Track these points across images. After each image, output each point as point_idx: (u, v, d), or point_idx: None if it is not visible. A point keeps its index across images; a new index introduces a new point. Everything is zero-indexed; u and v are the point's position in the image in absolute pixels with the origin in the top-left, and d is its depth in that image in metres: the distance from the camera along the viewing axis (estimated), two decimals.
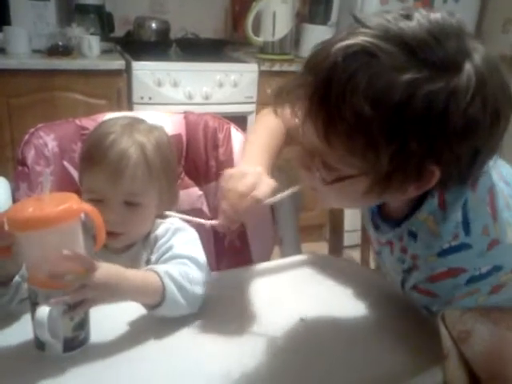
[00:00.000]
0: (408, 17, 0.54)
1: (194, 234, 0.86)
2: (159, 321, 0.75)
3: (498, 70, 0.56)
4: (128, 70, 2.04)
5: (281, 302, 0.82)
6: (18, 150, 0.98)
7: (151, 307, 0.74)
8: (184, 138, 1.09)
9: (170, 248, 0.82)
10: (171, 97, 2.08)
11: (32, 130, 1.00)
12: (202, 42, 2.48)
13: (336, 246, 1.19)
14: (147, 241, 0.87)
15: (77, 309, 0.66)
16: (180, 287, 0.73)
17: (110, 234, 0.73)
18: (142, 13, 2.42)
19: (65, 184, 0.98)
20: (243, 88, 2.18)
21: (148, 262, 0.85)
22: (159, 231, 0.86)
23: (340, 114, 0.54)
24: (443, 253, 0.64)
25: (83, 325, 0.69)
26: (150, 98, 2.06)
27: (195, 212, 1.02)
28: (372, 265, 1.18)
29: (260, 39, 2.37)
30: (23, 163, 0.96)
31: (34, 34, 2.05)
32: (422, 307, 0.72)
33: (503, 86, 0.56)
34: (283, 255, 1.08)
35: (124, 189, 0.80)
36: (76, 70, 1.98)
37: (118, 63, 2.03)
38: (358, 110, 0.52)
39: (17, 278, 0.72)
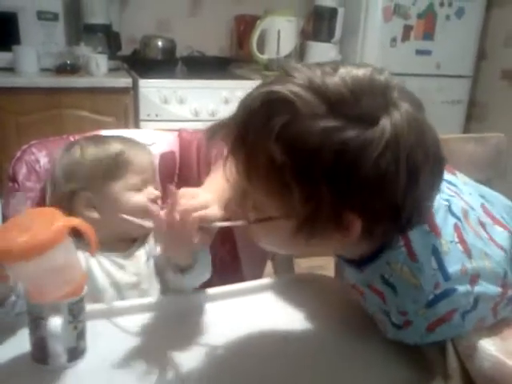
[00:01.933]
0: (335, 71, 0.55)
1: None
2: (142, 334, 0.75)
3: (421, 129, 0.56)
4: (135, 87, 2.07)
5: (268, 321, 0.81)
6: (10, 167, 0.99)
7: (182, 270, 0.77)
8: (177, 155, 1.10)
9: None
10: (177, 114, 2.11)
11: (25, 146, 1.01)
12: (208, 59, 2.52)
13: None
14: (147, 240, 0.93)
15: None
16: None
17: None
18: (149, 32, 2.46)
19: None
20: None
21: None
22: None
23: (256, 158, 0.56)
24: (431, 303, 0.64)
25: (84, 334, 0.69)
26: (156, 115, 2.09)
27: None
28: None
29: (265, 57, 2.39)
30: (14, 179, 0.98)
31: (42, 53, 2.09)
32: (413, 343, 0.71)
33: (423, 145, 0.55)
34: (276, 271, 1.06)
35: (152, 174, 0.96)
36: (83, 88, 2.01)
37: (124, 81, 2.07)
38: (271, 154, 0.54)
39: (13, 297, 0.71)
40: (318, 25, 2.44)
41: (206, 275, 0.81)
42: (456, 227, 0.66)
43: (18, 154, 1.00)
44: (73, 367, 0.68)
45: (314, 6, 2.44)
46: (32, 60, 2.06)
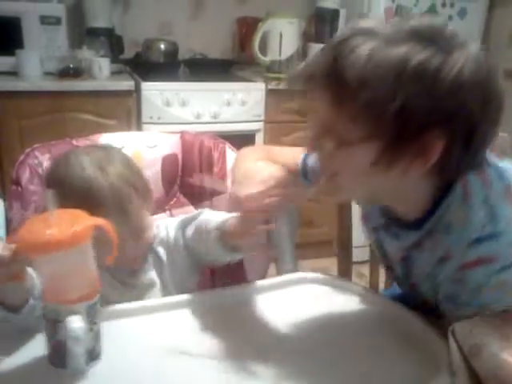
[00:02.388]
0: (408, 20, 0.65)
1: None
2: (151, 338, 0.76)
3: (489, 68, 0.64)
4: (137, 90, 2.08)
5: (270, 321, 0.81)
6: (13, 170, 1.00)
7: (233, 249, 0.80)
8: (179, 158, 1.10)
9: (181, 221, 0.90)
10: (180, 116, 2.11)
11: (28, 150, 1.02)
12: (210, 62, 2.52)
13: (345, 262, 1.19)
14: (152, 251, 0.91)
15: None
16: None
17: None
18: (151, 35, 2.46)
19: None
20: (251, 106, 2.20)
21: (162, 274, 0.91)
22: (161, 234, 0.93)
23: (346, 77, 0.61)
24: (474, 242, 0.66)
25: (99, 336, 0.70)
26: (158, 118, 2.09)
27: None
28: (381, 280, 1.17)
29: (267, 59, 2.40)
30: (17, 183, 0.98)
31: (45, 56, 2.10)
32: (442, 302, 0.73)
33: (492, 80, 0.64)
34: (279, 273, 1.07)
35: (132, 222, 0.84)
36: (86, 92, 2.01)
37: (127, 84, 2.07)
38: (361, 71, 0.60)
39: (31, 300, 0.71)
40: (320, 26, 2.44)
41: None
42: (507, 189, 0.69)
43: (22, 157, 1.01)
44: (90, 369, 0.68)
45: (316, 8, 2.44)
46: (35, 64, 2.06)
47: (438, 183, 0.70)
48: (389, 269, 0.90)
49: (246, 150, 0.98)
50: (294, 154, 0.92)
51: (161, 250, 0.92)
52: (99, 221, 0.66)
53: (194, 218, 0.91)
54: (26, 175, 0.99)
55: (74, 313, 0.65)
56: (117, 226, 0.67)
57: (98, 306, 0.69)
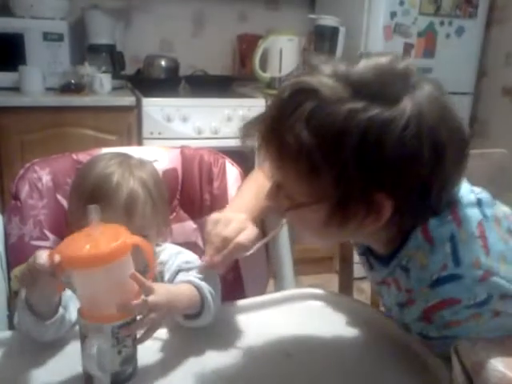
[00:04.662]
0: (358, 61, 0.60)
1: (194, 255, 0.91)
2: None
3: (442, 108, 0.59)
4: (138, 106, 2.09)
5: (269, 336, 0.80)
6: (13, 185, 1.00)
7: (190, 318, 0.77)
8: (180, 172, 1.10)
9: (180, 265, 0.87)
10: (181, 132, 2.12)
11: (28, 164, 1.02)
12: (211, 78, 2.54)
13: (346, 278, 1.18)
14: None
15: (145, 334, 0.68)
16: (213, 298, 0.77)
17: None
18: (152, 51, 2.49)
19: (57, 217, 0.99)
20: None
21: None
22: (162, 257, 0.90)
23: (287, 143, 0.59)
24: (434, 284, 0.64)
25: (130, 359, 0.68)
26: (159, 133, 2.10)
27: (189, 245, 1.01)
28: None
29: (267, 75, 2.42)
30: (16, 197, 0.98)
31: (47, 72, 2.12)
32: (416, 334, 0.71)
33: (446, 123, 0.58)
34: (278, 289, 1.06)
35: (136, 225, 0.82)
36: (88, 107, 2.03)
37: (128, 99, 2.09)
38: (300, 139, 0.57)
39: (61, 309, 0.72)
40: (320, 44, 2.46)
41: (210, 319, 0.79)
42: (480, 224, 0.66)
43: (21, 172, 1.01)
44: None
45: (315, 26, 2.47)
46: (37, 80, 2.08)
47: (399, 229, 0.67)
48: None
49: (251, 177, 0.98)
50: None
51: (159, 267, 0.91)
52: (138, 239, 0.66)
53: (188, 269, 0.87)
54: (25, 190, 0.99)
55: (99, 331, 0.64)
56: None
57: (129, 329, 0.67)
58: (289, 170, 0.61)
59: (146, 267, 0.70)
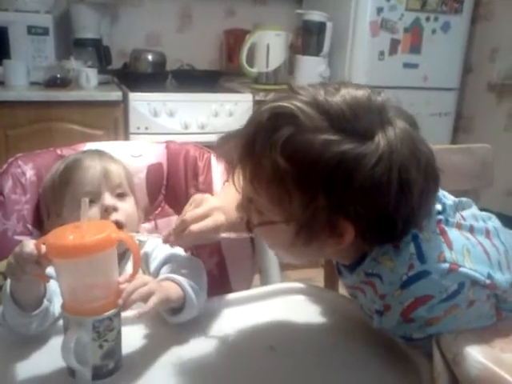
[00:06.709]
0: (337, 91, 0.61)
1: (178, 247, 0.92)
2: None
3: (414, 145, 0.61)
4: (125, 100, 2.08)
5: (253, 330, 0.81)
6: None
7: (175, 313, 0.78)
8: (165, 167, 1.10)
9: (167, 256, 0.88)
10: (167, 127, 2.11)
11: (11, 159, 1.01)
12: (198, 73, 2.53)
13: (331, 273, 1.19)
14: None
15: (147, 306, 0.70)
16: (195, 292, 0.79)
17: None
18: (139, 46, 2.47)
19: (40, 212, 0.99)
20: (238, 117, 2.21)
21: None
22: (147, 248, 0.92)
23: (261, 166, 0.61)
24: (405, 284, 0.65)
25: (112, 354, 0.68)
26: (146, 128, 2.09)
27: None
28: None
29: (254, 70, 2.42)
30: None
31: (32, 67, 2.10)
32: (400, 337, 0.72)
33: (416, 160, 0.60)
34: (263, 284, 1.06)
35: (114, 181, 0.91)
36: (73, 102, 2.01)
37: (115, 94, 2.07)
38: (275, 163, 0.59)
39: (45, 301, 0.73)
40: (307, 39, 2.47)
41: (195, 312, 0.81)
42: (439, 223, 0.69)
43: (4, 166, 1.00)
44: None
45: (303, 21, 2.47)
46: (22, 74, 2.06)
47: (363, 249, 0.69)
48: None
49: None
50: None
51: (144, 257, 0.92)
52: (123, 234, 0.68)
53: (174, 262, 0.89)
54: (8, 184, 0.98)
55: (79, 324, 0.64)
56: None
57: (111, 324, 0.67)
58: (262, 191, 0.63)
59: (127, 250, 0.73)
